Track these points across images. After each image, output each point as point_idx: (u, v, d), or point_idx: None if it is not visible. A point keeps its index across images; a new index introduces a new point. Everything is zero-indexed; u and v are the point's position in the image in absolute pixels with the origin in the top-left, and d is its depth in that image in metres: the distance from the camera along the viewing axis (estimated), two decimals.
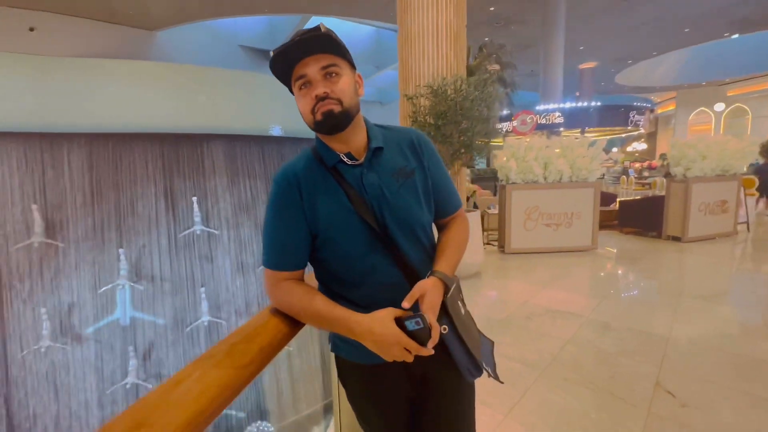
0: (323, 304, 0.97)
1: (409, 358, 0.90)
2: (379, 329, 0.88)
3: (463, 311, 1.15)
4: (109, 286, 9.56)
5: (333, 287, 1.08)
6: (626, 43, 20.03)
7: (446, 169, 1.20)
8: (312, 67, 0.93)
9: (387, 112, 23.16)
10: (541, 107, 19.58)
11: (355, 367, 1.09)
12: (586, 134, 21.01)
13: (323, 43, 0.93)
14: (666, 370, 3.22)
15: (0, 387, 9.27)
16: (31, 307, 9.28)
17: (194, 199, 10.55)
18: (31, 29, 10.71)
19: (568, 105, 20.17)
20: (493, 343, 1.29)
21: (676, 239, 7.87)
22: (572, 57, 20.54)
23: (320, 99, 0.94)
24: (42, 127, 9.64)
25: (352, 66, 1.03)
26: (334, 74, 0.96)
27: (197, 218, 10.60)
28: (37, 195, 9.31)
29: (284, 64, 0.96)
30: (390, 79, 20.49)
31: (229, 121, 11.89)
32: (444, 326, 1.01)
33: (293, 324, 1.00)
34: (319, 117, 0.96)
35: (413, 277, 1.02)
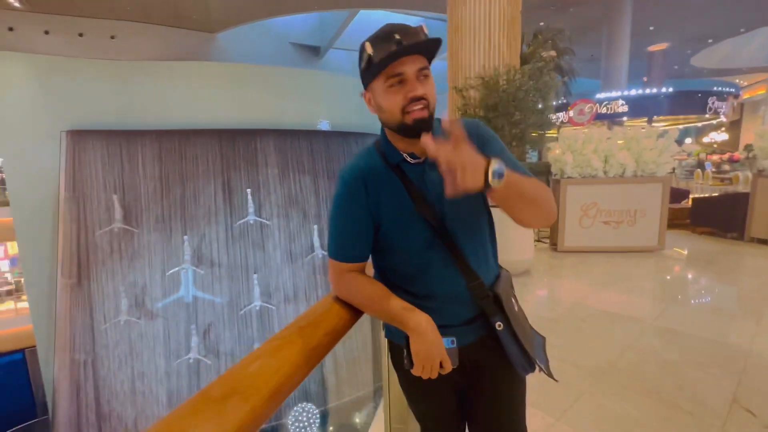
0: (388, 297, 1.02)
1: (434, 374, 0.96)
2: (433, 336, 0.95)
3: (516, 307, 1.16)
4: (176, 269, 10.54)
5: (391, 278, 1.12)
6: (707, 20, 17.75)
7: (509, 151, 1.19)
8: (410, 67, 0.94)
9: None
10: (601, 95, 18.07)
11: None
12: (654, 124, 19.13)
13: (427, 46, 0.94)
14: (745, 387, 2.87)
15: (89, 353, 10.59)
16: (112, 284, 10.49)
17: (248, 191, 11.24)
18: (112, 37, 11.97)
19: (633, 92, 18.38)
20: (544, 338, 1.29)
21: (763, 242, 6.95)
22: (640, 39, 18.63)
23: (416, 99, 0.95)
24: (121, 125, 10.77)
25: None
26: (426, 76, 0.98)
27: (251, 209, 11.29)
28: (116, 186, 10.46)
29: (382, 59, 0.92)
30: (435, 71, 20.18)
31: (279, 116, 12.45)
32: (498, 322, 1.04)
33: (353, 312, 1.07)
34: (409, 121, 0.96)
35: (469, 273, 1.04)
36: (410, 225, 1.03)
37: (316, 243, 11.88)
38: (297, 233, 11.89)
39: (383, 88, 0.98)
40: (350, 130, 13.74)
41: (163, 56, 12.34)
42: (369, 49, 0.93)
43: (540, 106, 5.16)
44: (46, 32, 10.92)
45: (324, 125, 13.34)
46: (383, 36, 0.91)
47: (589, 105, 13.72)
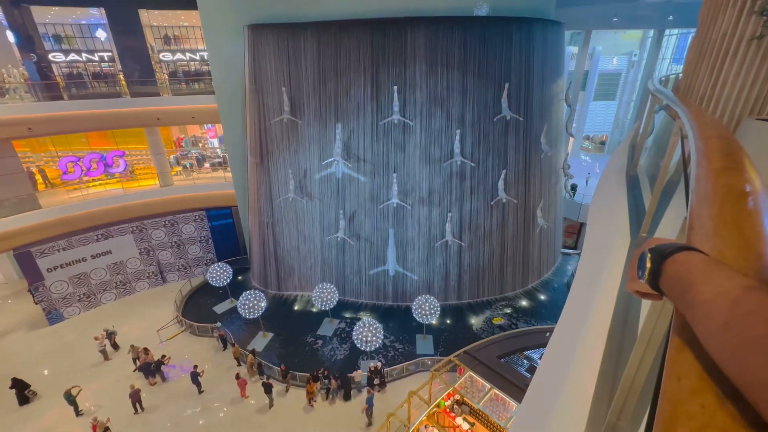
0: None
1: None
2: None
3: None
4: (330, 159, 11.86)
5: None
6: None
7: None
8: None
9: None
10: None
11: None
12: None
13: None
14: None
15: (269, 217, 13.48)
16: (283, 167, 12.60)
17: (395, 88, 11.00)
18: None
19: None
20: None
21: None
22: None
23: None
24: (289, 17, 11.41)
25: None
26: None
27: (395, 108, 11.21)
28: (284, 79, 11.66)
29: None
30: None
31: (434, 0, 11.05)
32: None
33: None
34: None
35: None
36: None
37: (456, 149, 11.35)
38: (438, 136, 11.51)
39: None
40: (516, 14, 11.39)
41: None
42: None
43: None
44: None
45: (482, 10, 11.37)
46: None
47: None
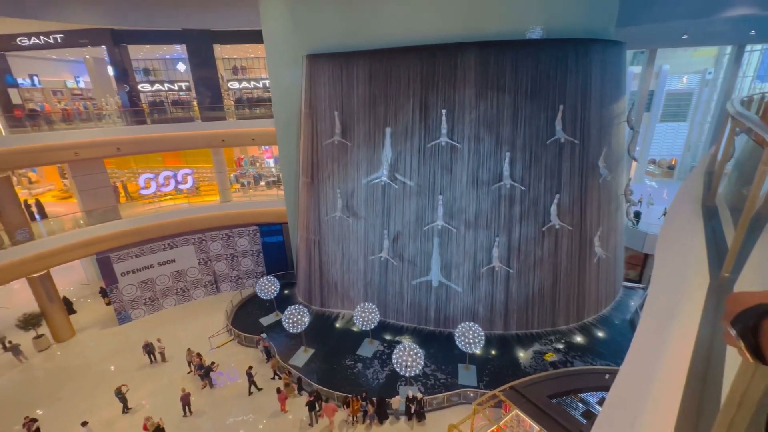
0: None
1: None
2: None
3: None
4: (376, 180, 12.10)
5: None
6: None
7: None
8: None
9: None
10: None
11: None
12: None
13: None
14: None
15: (316, 235, 13.89)
16: (331, 187, 13.05)
17: (443, 111, 11.07)
18: None
19: None
20: None
21: None
22: None
23: None
24: (342, 47, 12.08)
25: None
26: None
27: (444, 130, 11.23)
28: (337, 104, 12.24)
29: None
30: None
31: (483, 23, 11.08)
32: None
33: None
34: None
35: None
36: None
37: (506, 172, 11.03)
38: (486, 158, 11.29)
39: None
40: (572, 36, 11.07)
41: None
42: None
43: None
44: None
45: (536, 33, 11.19)
46: None
47: None
